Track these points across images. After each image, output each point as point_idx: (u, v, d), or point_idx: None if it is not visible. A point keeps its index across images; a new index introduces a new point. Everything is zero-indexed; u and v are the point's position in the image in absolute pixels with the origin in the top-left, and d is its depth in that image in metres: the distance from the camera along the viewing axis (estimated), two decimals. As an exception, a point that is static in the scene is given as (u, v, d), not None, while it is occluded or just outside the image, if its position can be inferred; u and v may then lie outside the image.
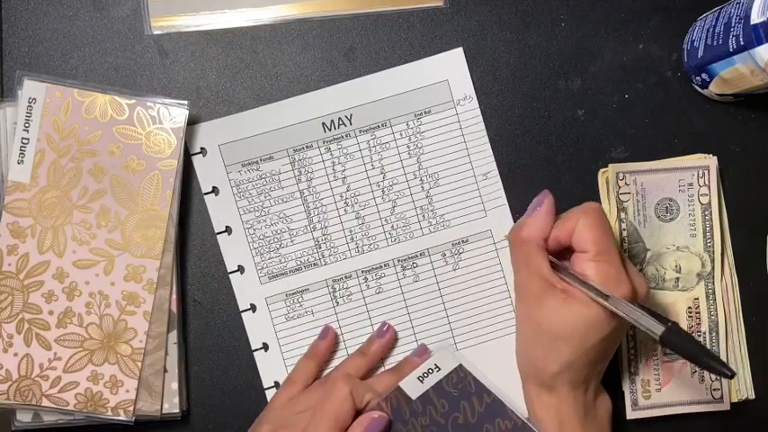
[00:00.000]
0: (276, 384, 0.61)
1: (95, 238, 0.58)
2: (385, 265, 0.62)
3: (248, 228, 0.61)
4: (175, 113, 0.59)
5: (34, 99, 0.58)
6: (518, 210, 0.62)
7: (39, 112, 0.58)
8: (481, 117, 0.62)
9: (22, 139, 0.58)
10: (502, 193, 0.62)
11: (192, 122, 0.61)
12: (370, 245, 0.62)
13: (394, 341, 0.62)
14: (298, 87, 0.62)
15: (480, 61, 0.63)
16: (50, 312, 0.58)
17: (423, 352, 0.61)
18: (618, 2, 0.63)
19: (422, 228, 0.62)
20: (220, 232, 0.61)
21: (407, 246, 0.62)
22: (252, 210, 0.61)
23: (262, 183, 0.61)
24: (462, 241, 0.62)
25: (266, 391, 0.61)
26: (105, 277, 0.58)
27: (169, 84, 0.62)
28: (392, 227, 0.62)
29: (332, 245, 0.62)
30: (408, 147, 0.62)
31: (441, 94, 0.62)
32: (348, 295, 0.62)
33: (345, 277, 0.62)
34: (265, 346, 0.61)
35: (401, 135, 0.62)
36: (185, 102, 0.59)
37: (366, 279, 0.62)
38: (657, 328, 0.50)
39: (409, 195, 0.62)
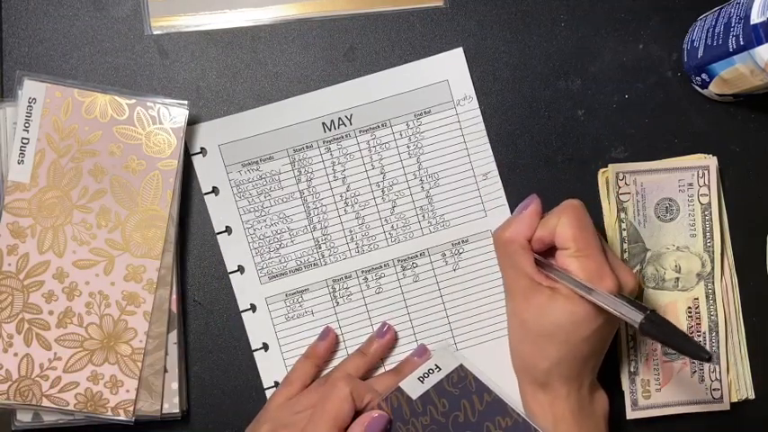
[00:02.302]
0: (276, 384, 0.61)
1: (95, 238, 0.58)
2: (385, 265, 0.62)
3: (248, 228, 0.61)
4: (175, 113, 0.59)
5: (34, 99, 0.58)
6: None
7: (39, 112, 0.58)
8: (481, 117, 0.62)
9: (22, 139, 0.58)
10: (502, 193, 0.62)
11: (191, 122, 0.61)
12: (370, 245, 0.62)
13: (394, 341, 0.62)
14: (298, 87, 0.62)
15: (480, 61, 0.63)
16: (50, 312, 0.58)
17: (423, 352, 0.61)
18: (618, 2, 0.63)
19: (422, 228, 0.62)
20: (220, 232, 0.61)
21: (407, 246, 0.62)
22: (252, 210, 0.61)
23: (262, 183, 0.61)
24: (462, 241, 0.62)
25: (266, 391, 0.61)
26: (105, 277, 0.58)
27: (169, 84, 0.62)
28: (392, 227, 0.62)
29: (332, 245, 0.62)
30: (408, 147, 0.62)
31: (441, 94, 0.62)
32: (348, 295, 0.62)
33: (345, 277, 0.62)
34: (265, 346, 0.61)
35: (401, 135, 0.62)
36: (185, 102, 0.59)
37: (366, 279, 0.62)
38: (637, 317, 0.50)
39: (409, 195, 0.62)
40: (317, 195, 0.62)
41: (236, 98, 0.62)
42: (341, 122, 0.62)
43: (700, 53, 0.60)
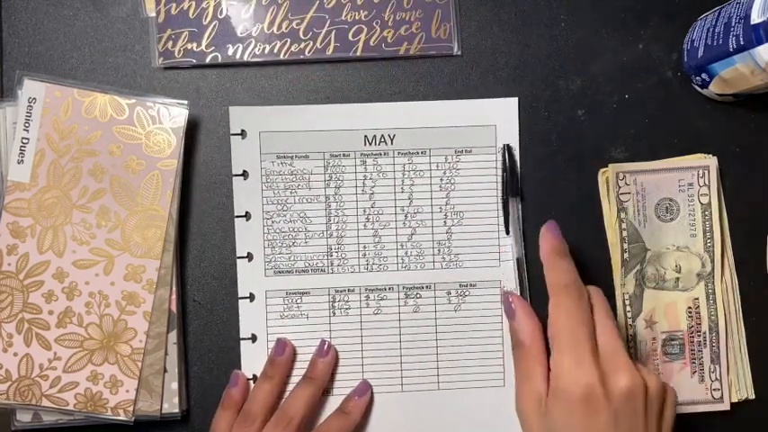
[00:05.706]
0: (255, 378, 0.61)
1: (95, 237, 0.58)
2: (389, 289, 0.62)
3: (267, 219, 0.61)
4: (175, 113, 0.59)
5: (34, 99, 0.58)
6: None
7: (39, 111, 0.58)
8: (519, 169, 0.62)
9: (22, 138, 0.58)
10: (521, 247, 0.62)
11: (239, 103, 0.61)
12: (380, 265, 0.62)
13: (335, 360, 0.61)
14: (339, 96, 0.62)
15: (480, 61, 0.63)
16: (50, 312, 0.58)
17: (364, 391, 0.60)
18: (618, 2, 0.63)
19: (434, 261, 0.62)
20: (239, 216, 0.61)
21: (416, 275, 0.62)
22: (275, 202, 0.61)
23: (291, 178, 0.61)
24: (470, 285, 0.62)
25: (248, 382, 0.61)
26: (105, 277, 0.58)
27: (169, 84, 0.62)
28: (406, 253, 0.62)
29: (343, 255, 0.62)
30: (441, 180, 0.62)
31: (486, 137, 0.62)
32: (346, 309, 0.62)
33: (348, 290, 0.62)
34: (253, 338, 0.61)
35: (437, 167, 0.62)
36: (185, 101, 0.59)
37: (368, 297, 0.62)
38: None
39: (430, 227, 0.62)
40: (342, 204, 0.62)
41: (236, 98, 0.62)
42: (382, 140, 0.62)
43: (700, 53, 0.60)
